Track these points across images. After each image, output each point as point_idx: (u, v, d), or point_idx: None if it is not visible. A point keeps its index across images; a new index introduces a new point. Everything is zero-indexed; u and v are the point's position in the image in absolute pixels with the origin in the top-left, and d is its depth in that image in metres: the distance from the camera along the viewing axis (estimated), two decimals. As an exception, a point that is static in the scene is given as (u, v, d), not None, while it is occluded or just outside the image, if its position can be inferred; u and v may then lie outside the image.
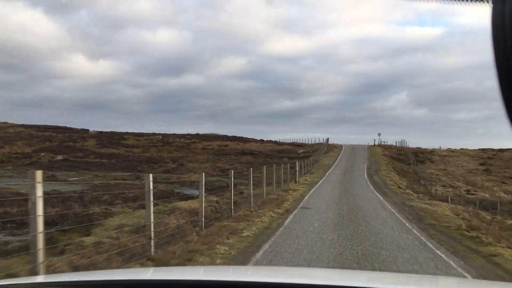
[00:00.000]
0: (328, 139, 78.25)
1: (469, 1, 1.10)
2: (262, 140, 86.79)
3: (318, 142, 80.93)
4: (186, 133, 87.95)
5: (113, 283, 2.27)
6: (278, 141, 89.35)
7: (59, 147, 70.69)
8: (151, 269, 4.92)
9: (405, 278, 3.41)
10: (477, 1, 1.08)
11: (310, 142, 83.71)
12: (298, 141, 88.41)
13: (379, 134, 79.93)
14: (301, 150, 70.94)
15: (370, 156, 58.80)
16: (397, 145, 76.78)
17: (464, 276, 7.72)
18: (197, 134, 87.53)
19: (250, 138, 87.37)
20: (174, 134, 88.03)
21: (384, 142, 78.19)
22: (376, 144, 75.51)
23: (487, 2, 1.06)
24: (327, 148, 69.56)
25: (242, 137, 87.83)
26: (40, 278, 2.80)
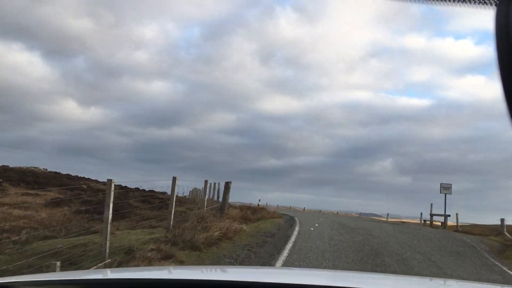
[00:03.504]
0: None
1: (473, 4, 1.09)
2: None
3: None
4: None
5: (113, 282, 2.28)
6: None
7: None
8: (152, 269, 4.81)
9: (406, 280, 3.40)
10: (481, 4, 1.08)
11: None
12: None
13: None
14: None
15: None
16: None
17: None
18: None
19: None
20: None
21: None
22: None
23: (491, 4, 1.06)
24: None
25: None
26: (40, 276, 2.70)
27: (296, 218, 23.97)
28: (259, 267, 8.21)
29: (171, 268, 4.69)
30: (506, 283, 10.53)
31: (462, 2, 1.11)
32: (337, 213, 67.74)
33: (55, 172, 47.29)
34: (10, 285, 2.17)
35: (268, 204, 68.06)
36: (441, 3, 1.14)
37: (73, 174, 46.41)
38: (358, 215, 62.76)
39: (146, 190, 32.98)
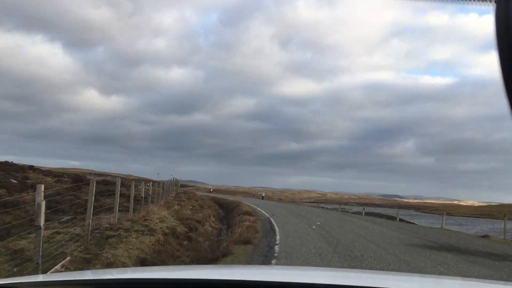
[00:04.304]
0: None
1: (473, 1, 1.11)
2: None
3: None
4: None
5: (113, 281, 2.30)
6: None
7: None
8: (153, 268, 4.86)
9: (407, 278, 3.38)
10: (481, 0, 1.09)
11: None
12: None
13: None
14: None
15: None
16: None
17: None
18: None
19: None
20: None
21: None
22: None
23: (491, 1, 1.08)
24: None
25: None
26: (40, 277, 2.87)
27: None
28: (260, 266, 8.32)
29: (172, 268, 5.29)
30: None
31: None
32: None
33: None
34: (12, 286, 2.21)
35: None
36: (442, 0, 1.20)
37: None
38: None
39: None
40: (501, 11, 1.00)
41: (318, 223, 22.76)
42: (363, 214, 39.86)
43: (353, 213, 44.81)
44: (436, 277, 5.00)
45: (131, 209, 18.10)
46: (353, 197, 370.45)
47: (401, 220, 37.13)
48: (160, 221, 16.05)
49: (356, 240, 16.28)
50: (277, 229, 18.57)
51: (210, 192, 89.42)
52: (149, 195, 26.27)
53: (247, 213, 25.96)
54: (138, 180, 52.83)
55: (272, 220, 23.58)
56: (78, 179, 46.40)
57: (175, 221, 17.56)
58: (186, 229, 16.33)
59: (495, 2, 1.05)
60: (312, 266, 10.11)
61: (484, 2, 1.09)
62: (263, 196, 71.21)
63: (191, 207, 29.02)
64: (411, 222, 41.58)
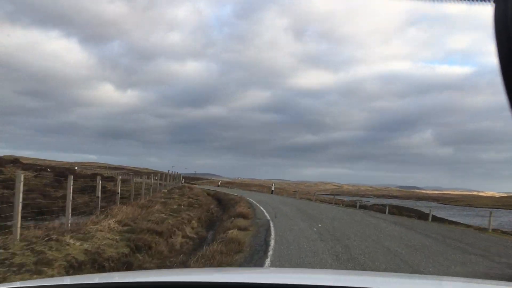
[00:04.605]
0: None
1: (471, 1, 1.10)
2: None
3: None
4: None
5: (114, 286, 2.28)
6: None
7: None
8: (153, 272, 5.03)
9: (409, 279, 3.37)
10: (479, 1, 1.09)
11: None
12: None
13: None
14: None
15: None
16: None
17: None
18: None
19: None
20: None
21: None
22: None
23: (489, 1, 1.06)
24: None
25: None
26: (38, 282, 2.79)
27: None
28: (260, 268, 8.23)
29: (171, 271, 5.09)
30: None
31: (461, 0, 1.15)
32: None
33: None
34: None
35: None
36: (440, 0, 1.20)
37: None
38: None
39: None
40: (500, 11, 1.01)
41: (333, 231, 16.89)
42: (387, 212, 33.74)
43: (376, 210, 38.63)
44: (438, 278, 4.50)
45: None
46: (370, 188, 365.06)
47: (434, 219, 30.96)
48: (91, 237, 10.53)
49: (391, 261, 10.55)
50: (272, 243, 12.84)
51: (218, 186, 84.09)
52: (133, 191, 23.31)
53: (241, 215, 20.26)
54: (153, 174, 48.18)
55: (271, 225, 17.86)
56: (61, 173, 41.45)
57: (121, 234, 11.96)
58: (128, 250, 10.65)
59: (494, 2, 1.05)
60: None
61: (483, 2, 1.08)
62: (272, 190, 64.96)
63: (175, 207, 23.42)
64: (447, 220, 35.29)
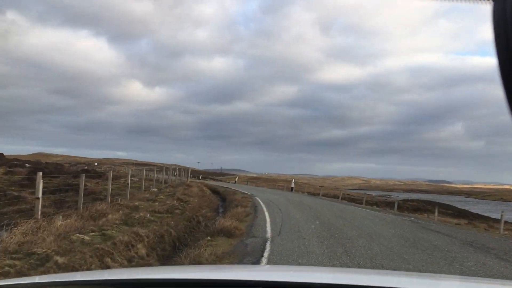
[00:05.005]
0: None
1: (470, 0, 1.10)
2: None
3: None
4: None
5: (113, 282, 2.24)
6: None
7: None
8: (154, 268, 5.15)
9: (407, 277, 3.32)
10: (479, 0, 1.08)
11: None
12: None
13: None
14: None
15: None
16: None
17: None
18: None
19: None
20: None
21: None
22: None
23: (488, 0, 1.05)
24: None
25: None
26: (37, 279, 2.67)
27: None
28: (260, 266, 7.88)
29: (172, 268, 5.12)
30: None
31: None
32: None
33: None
34: (12, 287, 2.19)
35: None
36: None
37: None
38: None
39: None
40: (499, 11, 0.99)
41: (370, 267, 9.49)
42: (436, 218, 25.93)
43: (413, 209, 30.66)
44: (436, 276, 4.79)
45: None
46: (398, 183, 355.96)
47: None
48: None
49: None
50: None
51: (235, 182, 77.51)
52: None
53: (226, 231, 13.08)
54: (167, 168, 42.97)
55: (267, 252, 10.76)
56: (39, 170, 35.02)
57: None
58: None
59: (493, 1, 1.03)
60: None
61: (482, 1, 1.06)
62: (292, 187, 56.22)
63: (143, 215, 16.49)
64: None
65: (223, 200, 30.42)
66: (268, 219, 17.39)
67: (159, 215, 17.32)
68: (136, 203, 19.71)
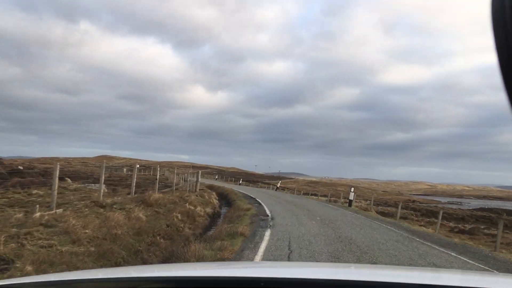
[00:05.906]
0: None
1: None
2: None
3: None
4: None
5: (114, 280, 2.25)
6: None
7: None
8: (154, 266, 5.17)
9: (407, 272, 3.25)
10: None
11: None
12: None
13: None
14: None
15: None
16: None
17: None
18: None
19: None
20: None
21: None
22: None
23: None
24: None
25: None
26: (38, 278, 2.62)
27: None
28: (262, 262, 8.07)
29: (173, 266, 4.88)
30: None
31: None
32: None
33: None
34: (13, 286, 2.18)
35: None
36: None
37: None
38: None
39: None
40: (497, 7, 0.98)
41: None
42: None
43: None
44: (436, 271, 4.65)
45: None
46: (467, 188, 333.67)
47: None
48: None
49: None
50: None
51: (276, 189, 66.23)
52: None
53: None
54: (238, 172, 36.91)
55: None
56: (16, 172, 28.25)
57: None
58: None
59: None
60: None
61: None
62: (350, 200, 38.57)
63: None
64: None
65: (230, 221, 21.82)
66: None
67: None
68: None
